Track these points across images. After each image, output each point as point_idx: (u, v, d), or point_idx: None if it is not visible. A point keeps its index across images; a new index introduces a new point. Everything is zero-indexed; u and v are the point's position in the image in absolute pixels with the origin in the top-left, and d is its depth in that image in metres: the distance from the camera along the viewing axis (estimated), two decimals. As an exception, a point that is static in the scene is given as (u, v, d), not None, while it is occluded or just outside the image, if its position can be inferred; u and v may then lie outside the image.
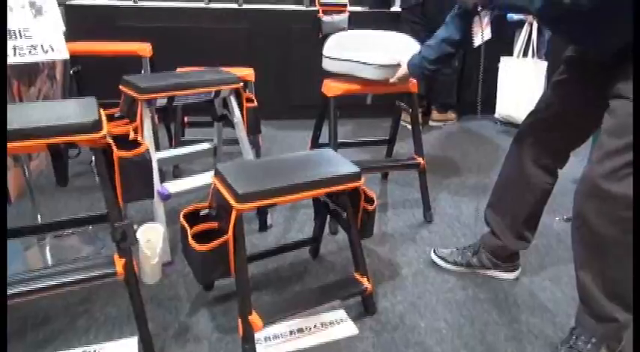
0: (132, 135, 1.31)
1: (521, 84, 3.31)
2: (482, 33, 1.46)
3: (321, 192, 1.40)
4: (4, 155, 1.08)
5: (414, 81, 2.10)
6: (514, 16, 3.26)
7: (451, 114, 3.70)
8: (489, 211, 1.71)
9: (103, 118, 1.18)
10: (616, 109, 1.23)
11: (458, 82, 3.60)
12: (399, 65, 1.91)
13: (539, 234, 2.02)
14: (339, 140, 2.06)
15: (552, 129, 1.50)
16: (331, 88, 2.01)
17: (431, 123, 3.66)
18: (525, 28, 3.33)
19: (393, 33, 2.23)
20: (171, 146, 2.59)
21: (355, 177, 1.44)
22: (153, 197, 1.28)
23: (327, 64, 2.11)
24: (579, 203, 1.28)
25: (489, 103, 3.56)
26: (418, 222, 2.17)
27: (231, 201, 1.29)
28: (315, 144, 2.23)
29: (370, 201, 1.53)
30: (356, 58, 1.99)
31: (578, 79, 1.43)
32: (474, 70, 3.63)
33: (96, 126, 1.13)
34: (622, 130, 1.19)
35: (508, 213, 1.63)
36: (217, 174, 1.38)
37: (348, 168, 1.45)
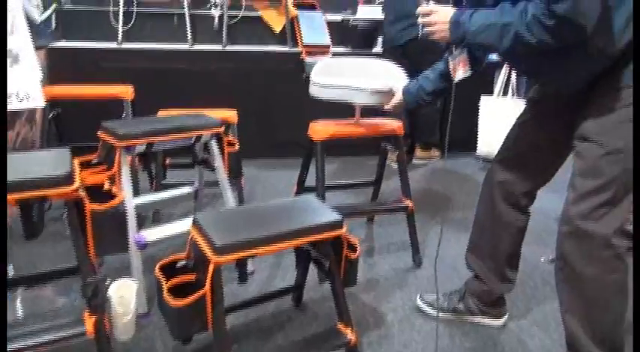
0: (107, 186, 1.27)
1: (501, 123, 3.36)
2: (459, 71, 1.48)
3: (302, 241, 1.37)
4: (4, 159, 1.07)
5: (399, 123, 2.10)
6: (494, 57, 3.32)
7: (435, 152, 3.71)
8: (470, 255, 1.69)
9: (76, 170, 1.14)
10: (583, 152, 1.25)
11: (440, 119, 3.63)
12: (391, 92, 1.89)
13: (525, 275, 2.00)
14: (326, 183, 2.05)
15: (518, 169, 1.51)
16: (318, 132, 1.99)
17: (415, 161, 3.67)
18: (505, 68, 3.40)
19: (379, 60, 2.24)
20: (152, 188, 2.54)
21: (337, 225, 1.40)
22: (127, 250, 1.24)
23: (315, 91, 2.02)
24: (560, 243, 1.29)
25: (471, 141, 3.59)
26: (404, 266, 2.13)
27: (209, 254, 1.25)
28: (301, 187, 2.21)
29: (353, 248, 1.50)
30: (347, 84, 1.93)
31: (542, 119, 1.46)
32: (457, 108, 3.67)
33: (68, 179, 1.09)
34: (594, 172, 1.21)
35: (488, 255, 1.62)
36: (195, 223, 1.34)
37: (330, 216, 1.42)
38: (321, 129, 1.99)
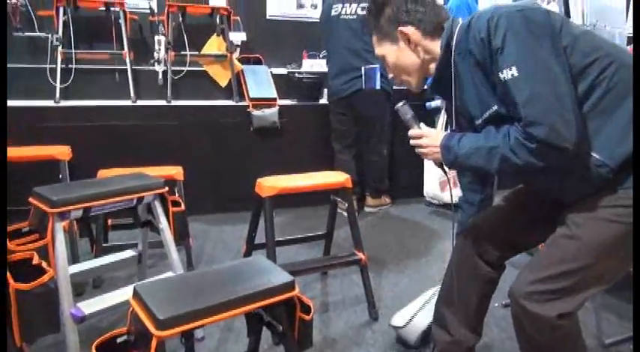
0: (35, 260, 1.17)
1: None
2: (453, 190, 1.53)
3: (252, 307, 1.30)
4: (4, 160, 1.03)
5: (347, 176, 2.10)
6: (432, 104, 3.45)
7: (385, 199, 3.75)
8: (441, 305, 1.67)
9: (-1, 247, 1.04)
10: (557, 238, 1.25)
11: (390, 166, 3.69)
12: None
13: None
14: (277, 236, 2.01)
15: (494, 237, 1.53)
16: (265, 188, 1.96)
17: (366, 209, 3.68)
18: (442, 114, 3.53)
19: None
20: (92, 252, 2.40)
21: (289, 287, 1.35)
22: (58, 331, 1.13)
23: None
24: (512, 310, 1.28)
25: (419, 186, 3.66)
26: (361, 321, 2.08)
27: (151, 328, 1.16)
28: (251, 245, 2.14)
29: (307, 309, 1.44)
30: None
31: (532, 204, 1.47)
32: (403, 155, 3.76)
33: (-12, 257, 1.00)
34: (559, 259, 1.21)
35: (459, 305, 1.61)
36: (135, 295, 1.25)
37: (281, 277, 1.36)
38: (268, 186, 1.96)
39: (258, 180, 2.00)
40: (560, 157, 1.13)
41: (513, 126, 1.16)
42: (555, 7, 2.64)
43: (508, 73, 1.12)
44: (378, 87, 3.22)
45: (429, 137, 1.37)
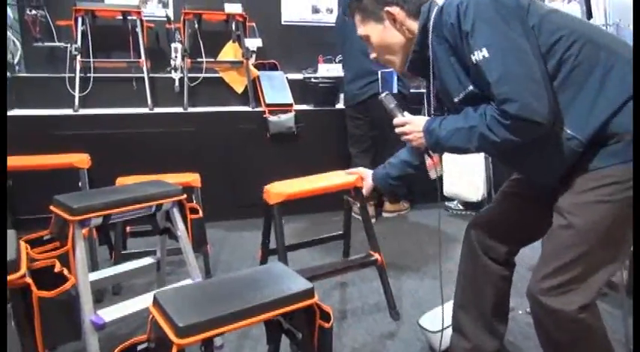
0: (57, 268, 1.19)
1: (463, 161, 3.45)
2: (435, 169, 1.57)
3: (272, 314, 1.30)
4: (4, 160, 1.06)
5: (356, 176, 2.09)
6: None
7: (404, 204, 3.73)
8: (456, 310, 1.66)
9: (23, 255, 1.07)
10: (554, 229, 1.27)
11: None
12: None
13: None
14: (292, 242, 2.01)
15: (498, 232, 1.54)
16: (273, 195, 1.95)
17: (384, 214, 3.67)
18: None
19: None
20: (112, 259, 2.43)
21: (308, 293, 1.34)
22: (80, 338, 1.14)
23: None
24: (532, 310, 1.30)
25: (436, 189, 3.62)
26: (382, 329, 2.06)
27: (171, 336, 1.16)
28: (266, 252, 2.15)
29: (327, 317, 1.44)
30: None
31: (526, 194, 1.49)
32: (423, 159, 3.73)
33: (13, 266, 1.02)
34: (560, 250, 1.24)
35: (475, 308, 1.60)
36: (155, 302, 1.26)
37: (300, 284, 1.36)
38: (276, 192, 1.95)
39: (266, 187, 1.99)
40: (534, 132, 1.17)
41: (489, 105, 1.21)
42: (577, 7, 2.62)
43: (479, 55, 1.16)
44: (395, 90, 3.22)
45: (412, 123, 1.44)
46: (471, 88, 1.25)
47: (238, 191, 3.49)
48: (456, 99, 1.31)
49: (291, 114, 3.51)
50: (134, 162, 3.11)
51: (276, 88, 3.64)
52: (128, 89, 3.48)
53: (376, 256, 2.09)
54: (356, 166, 3.52)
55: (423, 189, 3.82)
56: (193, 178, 2.55)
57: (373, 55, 1.49)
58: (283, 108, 3.52)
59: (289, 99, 3.58)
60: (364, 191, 1.96)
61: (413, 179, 3.29)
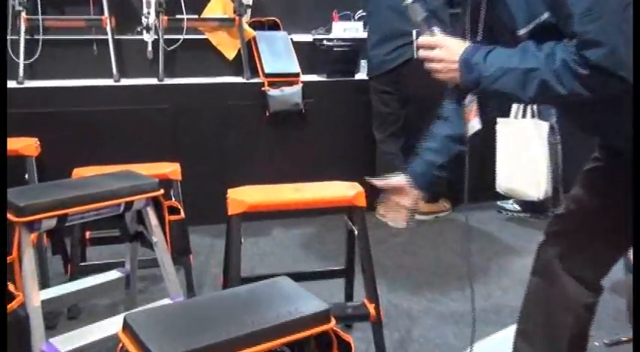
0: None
1: (521, 149, 3.42)
2: (471, 122, 1.48)
3: (276, 343, 1.30)
4: (4, 159, 1.12)
5: (358, 189, 2.04)
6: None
7: (443, 204, 3.72)
8: (519, 341, 1.65)
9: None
10: None
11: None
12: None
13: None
14: (285, 259, 2.00)
15: (585, 231, 1.50)
16: (232, 203, 1.94)
17: (418, 217, 3.65)
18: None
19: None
20: (67, 274, 2.45)
21: (323, 317, 1.35)
22: (30, 371, 1.15)
23: None
24: None
25: (490, 186, 3.61)
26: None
27: (147, 370, 1.17)
28: (228, 279, 2.05)
29: (346, 349, 1.44)
30: None
31: (610, 169, 1.45)
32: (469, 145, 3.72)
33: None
34: None
35: (544, 341, 1.59)
36: (126, 328, 1.26)
37: (313, 305, 1.36)
38: (238, 200, 1.94)
39: (230, 191, 2.00)
40: (614, 88, 1.15)
41: (561, 43, 1.18)
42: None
43: None
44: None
45: (445, 47, 1.34)
46: (546, 16, 1.20)
47: (230, 186, 3.49)
48: (521, 32, 1.26)
49: (298, 88, 3.50)
50: (96, 149, 3.13)
51: (278, 53, 3.63)
52: (88, 55, 3.49)
53: (369, 308, 2.04)
54: (382, 155, 3.59)
55: (470, 184, 3.80)
56: (172, 169, 2.55)
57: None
58: (287, 79, 3.51)
59: (295, 68, 3.57)
60: (409, 202, 1.78)
61: (456, 170, 3.28)
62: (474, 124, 1.49)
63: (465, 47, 1.32)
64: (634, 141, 1.19)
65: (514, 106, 3.52)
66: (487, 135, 3.49)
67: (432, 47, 1.35)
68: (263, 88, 3.46)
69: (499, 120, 3.50)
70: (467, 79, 1.30)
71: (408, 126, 3.49)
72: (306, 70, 3.63)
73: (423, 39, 1.37)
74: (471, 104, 1.45)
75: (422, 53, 1.37)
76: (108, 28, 3.42)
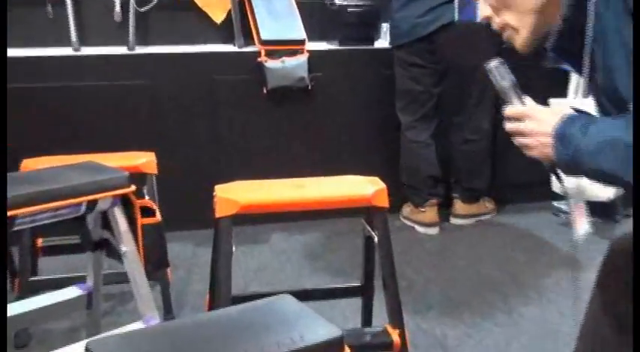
0: None
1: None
2: (578, 225, 1.52)
3: (275, 379, 1.30)
4: (4, 160, 1.09)
5: (379, 186, 2.03)
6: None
7: (485, 205, 3.73)
8: None
9: None
10: None
11: (492, 152, 3.64)
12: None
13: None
14: (288, 272, 2.00)
15: None
16: (221, 204, 1.94)
17: (453, 220, 3.65)
18: (575, 80, 3.45)
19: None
20: (14, 291, 2.46)
21: (334, 346, 1.34)
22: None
23: None
24: None
25: (543, 183, 3.58)
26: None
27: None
28: (213, 297, 2.07)
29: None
30: None
31: None
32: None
33: None
34: None
35: None
36: (88, 359, 1.27)
37: (321, 331, 1.36)
38: (226, 199, 1.94)
39: (217, 188, 2.00)
40: None
41: None
42: None
43: None
44: (479, 19, 3.19)
45: (537, 120, 1.37)
46: None
47: (217, 181, 3.49)
48: (631, 105, 1.25)
49: (303, 58, 3.49)
50: (50, 135, 3.13)
51: (278, 15, 3.63)
52: (40, 18, 3.49)
53: (393, 336, 2.05)
54: (408, 145, 3.58)
55: (518, 181, 3.79)
56: (146, 160, 2.55)
57: (484, 15, 1.47)
58: (289, 47, 3.50)
59: (299, 34, 3.56)
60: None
61: (501, 163, 3.29)
62: (584, 227, 1.51)
63: (559, 118, 1.33)
64: (634, 141, 1.19)
65: (572, 83, 3.49)
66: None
67: (521, 118, 1.39)
68: (259, 59, 3.45)
69: (552, 101, 3.47)
70: (562, 156, 1.32)
71: (443, 110, 3.51)
72: (313, 36, 3.63)
73: (512, 109, 1.42)
74: (578, 203, 1.48)
75: (509, 125, 1.42)
76: (65, -16, 3.43)
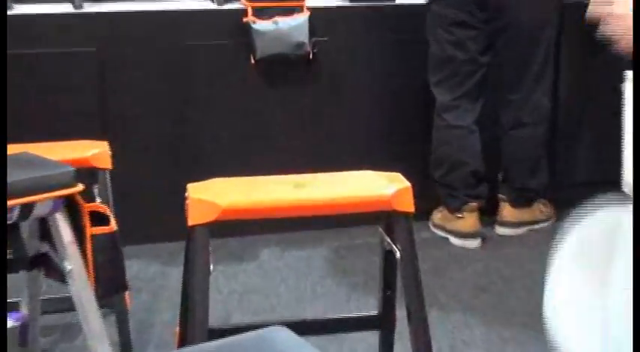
0: None
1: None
2: None
3: None
4: (4, 159, 1.36)
5: (401, 184, 2.03)
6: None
7: (541, 209, 3.75)
8: None
9: None
10: None
11: (550, 142, 3.65)
12: None
13: None
14: (296, 279, 2.00)
15: None
16: (200, 207, 1.95)
17: (499, 230, 3.65)
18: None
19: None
20: None
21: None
22: None
23: None
24: None
25: (608, 180, 3.58)
26: None
27: None
28: (184, 331, 2.11)
29: None
30: None
31: None
32: (576, 120, 3.72)
33: None
34: None
35: None
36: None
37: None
38: (203, 201, 1.95)
39: (189, 187, 2.01)
40: None
41: None
42: None
43: None
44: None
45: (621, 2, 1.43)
46: None
47: (191, 178, 3.49)
48: None
49: (303, 18, 3.50)
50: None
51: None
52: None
53: None
54: (443, 131, 3.59)
55: (583, 177, 3.79)
56: (97, 151, 2.55)
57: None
58: (285, 4, 3.52)
59: (297, -13, 3.58)
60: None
61: (561, 154, 3.29)
62: None
63: None
64: (633, 140, 1.21)
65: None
66: (605, 101, 3.48)
67: (609, 1, 1.46)
68: (245, 19, 3.47)
69: (627, 73, 3.48)
70: None
71: (491, 83, 3.52)
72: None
73: None
74: None
75: (593, 10, 1.49)
76: None
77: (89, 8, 3.47)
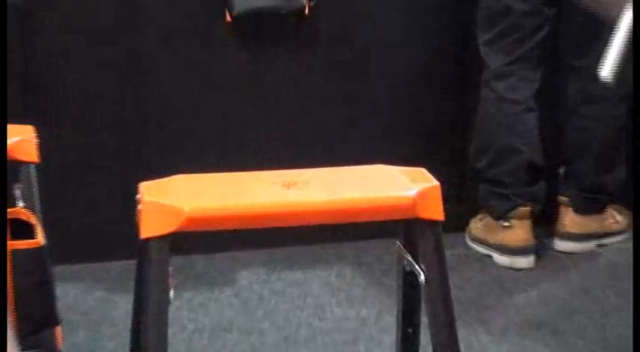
0: None
1: None
2: None
3: None
4: (4, 157, 1.57)
5: (427, 183, 2.03)
6: None
7: (614, 217, 3.76)
8: None
9: None
10: None
11: (627, 133, 3.65)
12: None
13: None
14: (286, 312, 1.99)
15: None
16: (156, 214, 1.95)
17: (559, 244, 3.66)
18: None
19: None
20: None
21: None
22: None
23: None
24: None
25: None
26: None
27: None
28: None
29: None
30: None
31: None
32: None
33: None
34: None
35: None
36: None
37: None
38: (161, 205, 1.94)
39: (144, 187, 1.99)
40: None
41: None
42: None
43: None
44: None
45: None
46: None
47: (145, 176, 3.48)
48: None
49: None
50: None
51: None
52: None
53: None
54: (498, 103, 3.56)
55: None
56: (19, 139, 2.56)
57: None
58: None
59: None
60: None
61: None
62: None
63: None
64: (633, 139, 1.32)
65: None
66: None
67: None
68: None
69: None
70: None
71: (553, 46, 3.51)
72: None
73: None
74: None
75: None
76: None
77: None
